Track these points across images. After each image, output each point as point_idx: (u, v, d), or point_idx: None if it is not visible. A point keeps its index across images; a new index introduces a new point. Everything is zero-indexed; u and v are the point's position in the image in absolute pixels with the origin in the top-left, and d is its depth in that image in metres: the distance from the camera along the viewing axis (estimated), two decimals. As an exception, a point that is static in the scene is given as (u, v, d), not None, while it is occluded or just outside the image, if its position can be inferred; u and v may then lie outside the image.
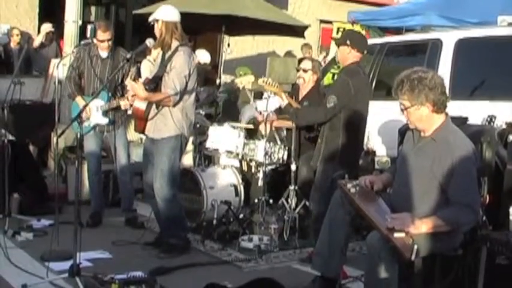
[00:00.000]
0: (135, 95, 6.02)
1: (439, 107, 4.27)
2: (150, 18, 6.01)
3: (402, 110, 4.33)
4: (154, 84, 5.92)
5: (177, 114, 5.96)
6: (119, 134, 7.08)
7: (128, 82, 5.96)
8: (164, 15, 5.97)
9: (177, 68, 5.84)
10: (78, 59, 6.99)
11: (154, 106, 5.99)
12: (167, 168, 5.98)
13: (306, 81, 7.22)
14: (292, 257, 6.11)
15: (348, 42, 6.19)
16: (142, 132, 6.19)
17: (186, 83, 5.91)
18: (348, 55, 6.21)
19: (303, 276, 5.31)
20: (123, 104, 6.66)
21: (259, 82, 6.60)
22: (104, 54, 6.93)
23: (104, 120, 6.93)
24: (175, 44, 5.95)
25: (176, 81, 5.83)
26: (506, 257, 4.39)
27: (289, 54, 14.49)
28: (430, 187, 4.25)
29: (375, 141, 7.89)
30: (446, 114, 4.38)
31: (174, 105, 5.89)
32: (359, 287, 5.14)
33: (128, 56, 5.84)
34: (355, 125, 6.14)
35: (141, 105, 6.04)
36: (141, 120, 6.10)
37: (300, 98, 7.24)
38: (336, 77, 9.25)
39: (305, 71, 7.23)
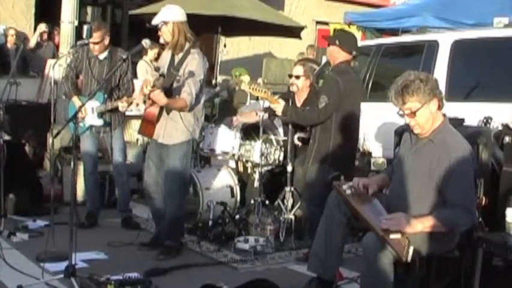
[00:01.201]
0: (151, 101, 5.88)
1: (442, 101, 4.28)
2: (157, 21, 5.85)
3: (409, 115, 4.25)
4: (166, 87, 5.81)
5: (189, 119, 5.92)
6: (115, 135, 7.04)
7: (149, 91, 5.68)
8: (174, 16, 5.85)
9: (194, 72, 5.77)
10: (77, 59, 6.95)
11: (164, 111, 5.94)
12: (179, 173, 5.97)
13: (300, 88, 7.05)
14: (288, 258, 6.10)
15: (337, 42, 6.11)
16: (150, 136, 6.17)
17: (201, 87, 5.87)
18: (337, 54, 6.12)
19: (299, 278, 5.30)
20: (121, 106, 6.63)
21: (244, 88, 6.50)
22: (101, 55, 6.88)
23: (99, 122, 6.88)
24: (186, 45, 5.89)
25: (192, 85, 5.76)
26: (503, 258, 4.40)
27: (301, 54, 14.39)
28: (427, 188, 4.24)
29: (371, 142, 7.89)
30: (445, 115, 4.38)
31: (189, 109, 5.86)
32: (355, 289, 5.16)
33: (124, 56, 5.81)
34: (347, 125, 6.04)
35: (155, 110, 5.94)
36: (150, 125, 6.02)
37: (299, 105, 7.14)
38: None
39: (297, 77, 7.05)
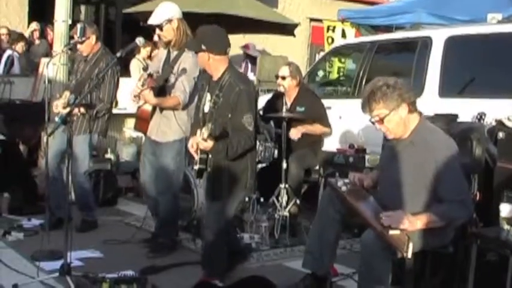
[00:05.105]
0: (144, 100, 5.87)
1: (413, 105, 4.26)
2: (161, 20, 5.81)
3: (378, 122, 4.25)
4: (159, 85, 5.83)
5: (183, 117, 5.91)
6: (76, 141, 6.39)
7: (139, 89, 5.60)
8: (177, 13, 5.86)
9: (187, 70, 5.75)
10: (70, 57, 6.89)
11: (158, 108, 5.95)
12: (171, 171, 5.97)
13: (287, 88, 7.16)
14: (283, 255, 6.13)
15: (204, 46, 4.95)
16: (144, 132, 6.18)
17: (195, 85, 5.85)
18: (210, 62, 5.02)
19: (294, 274, 5.30)
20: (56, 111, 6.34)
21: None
22: (89, 56, 6.64)
23: (58, 120, 5.85)
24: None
25: (186, 83, 5.76)
26: (497, 253, 4.42)
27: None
28: (413, 190, 4.23)
29: (365, 139, 7.90)
30: (420, 113, 4.35)
31: (183, 108, 5.85)
32: (349, 285, 5.17)
33: (118, 54, 5.77)
34: None
35: (148, 107, 6.00)
36: (144, 121, 6.08)
37: (289, 104, 7.16)
38: None
39: (283, 78, 7.18)
